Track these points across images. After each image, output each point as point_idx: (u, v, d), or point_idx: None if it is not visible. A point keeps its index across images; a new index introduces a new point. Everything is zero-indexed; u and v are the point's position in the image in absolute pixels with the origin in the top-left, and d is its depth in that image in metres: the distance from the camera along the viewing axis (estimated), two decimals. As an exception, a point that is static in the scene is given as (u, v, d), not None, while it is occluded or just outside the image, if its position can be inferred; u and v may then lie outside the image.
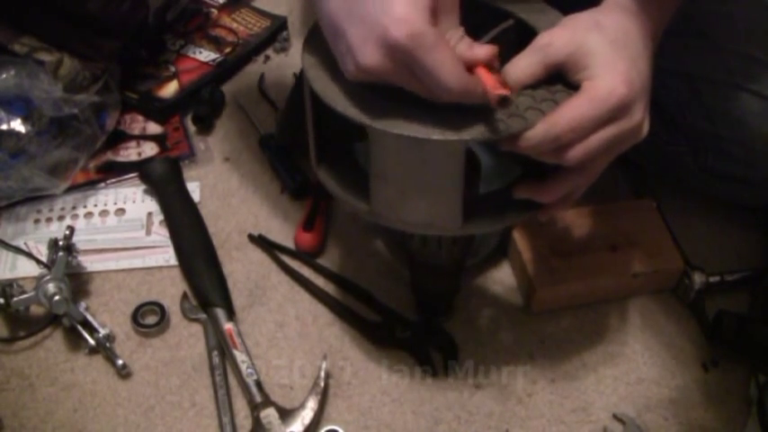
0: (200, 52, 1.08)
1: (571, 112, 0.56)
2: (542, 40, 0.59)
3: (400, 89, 0.56)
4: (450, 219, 0.61)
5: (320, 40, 0.61)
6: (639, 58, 0.59)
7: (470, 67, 0.55)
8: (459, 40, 0.56)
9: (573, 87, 0.58)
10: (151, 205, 0.92)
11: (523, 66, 0.58)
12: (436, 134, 0.55)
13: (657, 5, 0.63)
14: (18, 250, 0.86)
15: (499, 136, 0.55)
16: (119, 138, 0.98)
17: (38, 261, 0.84)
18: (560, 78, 0.59)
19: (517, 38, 0.66)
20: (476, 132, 0.55)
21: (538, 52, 0.58)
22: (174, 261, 0.86)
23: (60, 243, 0.79)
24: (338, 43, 0.55)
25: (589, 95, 0.56)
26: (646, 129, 0.60)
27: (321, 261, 0.87)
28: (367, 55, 0.52)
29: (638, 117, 0.58)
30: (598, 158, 0.59)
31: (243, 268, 0.86)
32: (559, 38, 0.58)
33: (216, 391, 0.75)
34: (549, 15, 0.67)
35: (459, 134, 0.55)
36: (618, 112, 0.57)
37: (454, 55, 0.53)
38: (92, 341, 0.77)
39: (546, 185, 0.61)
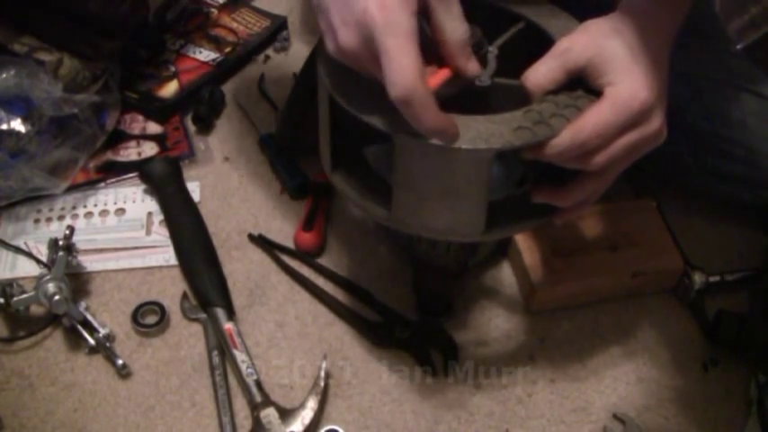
0: (200, 52, 1.08)
1: (595, 118, 0.56)
2: (562, 45, 0.59)
3: None
4: (472, 225, 0.61)
5: None
6: (657, 63, 0.59)
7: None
8: (465, 45, 0.55)
9: (593, 92, 0.58)
10: (151, 205, 0.92)
11: (545, 71, 0.59)
12: (465, 143, 0.55)
13: (671, 10, 0.63)
14: (18, 250, 0.86)
15: (527, 144, 0.56)
16: (119, 137, 0.98)
17: (38, 261, 0.84)
18: (580, 83, 0.59)
19: (526, 40, 0.66)
20: (503, 141, 0.55)
21: (558, 57, 0.59)
22: (174, 261, 0.86)
23: (60, 243, 0.79)
24: (321, 19, 0.55)
25: (612, 101, 0.57)
26: (665, 133, 0.61)
27: (321, 261, 0.87)
28: (345, 36, 0.53)
29: (659, 122, 0.59)
30: (618, 163, 0.59)
31: (243, 268, 0.86)
32: (579, 43, 0.59)
33: (216, 391, 0.75)
34: (558, 18, 0.67)
35: (488, 143, 0.55)
36: (640, 117, 0.57)
37: (415, 56, 0.51)
38: (92, 341, 0.77)
39: (565, 190, 0.61)
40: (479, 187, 0.58)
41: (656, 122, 0.59)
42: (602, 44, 0.58)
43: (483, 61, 0.60)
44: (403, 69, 0.50)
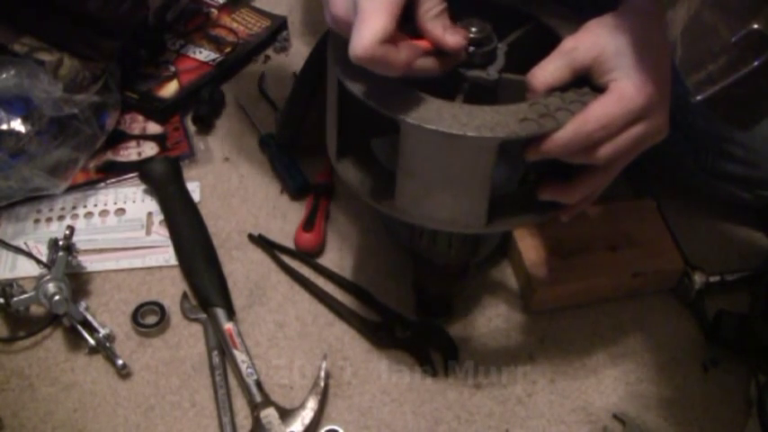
0: (200, 52, 1.08)
1: (600, 110, 0.57)
2: (568, 44, 0.60)
3: (431, 84, 0.57)
4: (475, 216, 0.61)
5: None
6: (661, 60, 0.60)
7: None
8: (436, 16, 0.55)
9: (599, 90, 0.59)
10: (151, 205, 0.92)
11: (551, 69, 0.60)
12: (470, 131, 0.55)
13: None
14: (18, 250, 0.86)
15: (531, 135, 0.56)
16: (119, 138, 0.98)
17: (38, 261, 0.84)
18: (586, 82, 0.60)
19: (536, 39, 0.66)
20: (509, 131, 0.56)
21: (564, 56, 0.59)
22: (174, 261, 0.86)
23: (60, 243, 0.79)
24: None
25: (618, 95, 0.57)
26: (667, 129, 0.61)
27: (321, 261, 0.87)
28: (336, 3, 0.54)
29: (663, 117, 0.60)
30: (622, 157, 0.60)
31: (243, 268, 0.86)
32: (585, 42, 0.59)
33: (216, 391, 0.75)
34: (566, 18, 0.68)
35: (493, 132, 0.55)
36: (644, 111, 0.58)
37: (386, 21, 0.51)
38: (92, 341, 0.77)
39: (570, 186, 0.62)
40: (483, 177, 0.58)
41: (660, 117, 0.60)
42: (608, 43, 0.59)
43: (491, 57, 0.62)
44: (367, 31, 0.51)
